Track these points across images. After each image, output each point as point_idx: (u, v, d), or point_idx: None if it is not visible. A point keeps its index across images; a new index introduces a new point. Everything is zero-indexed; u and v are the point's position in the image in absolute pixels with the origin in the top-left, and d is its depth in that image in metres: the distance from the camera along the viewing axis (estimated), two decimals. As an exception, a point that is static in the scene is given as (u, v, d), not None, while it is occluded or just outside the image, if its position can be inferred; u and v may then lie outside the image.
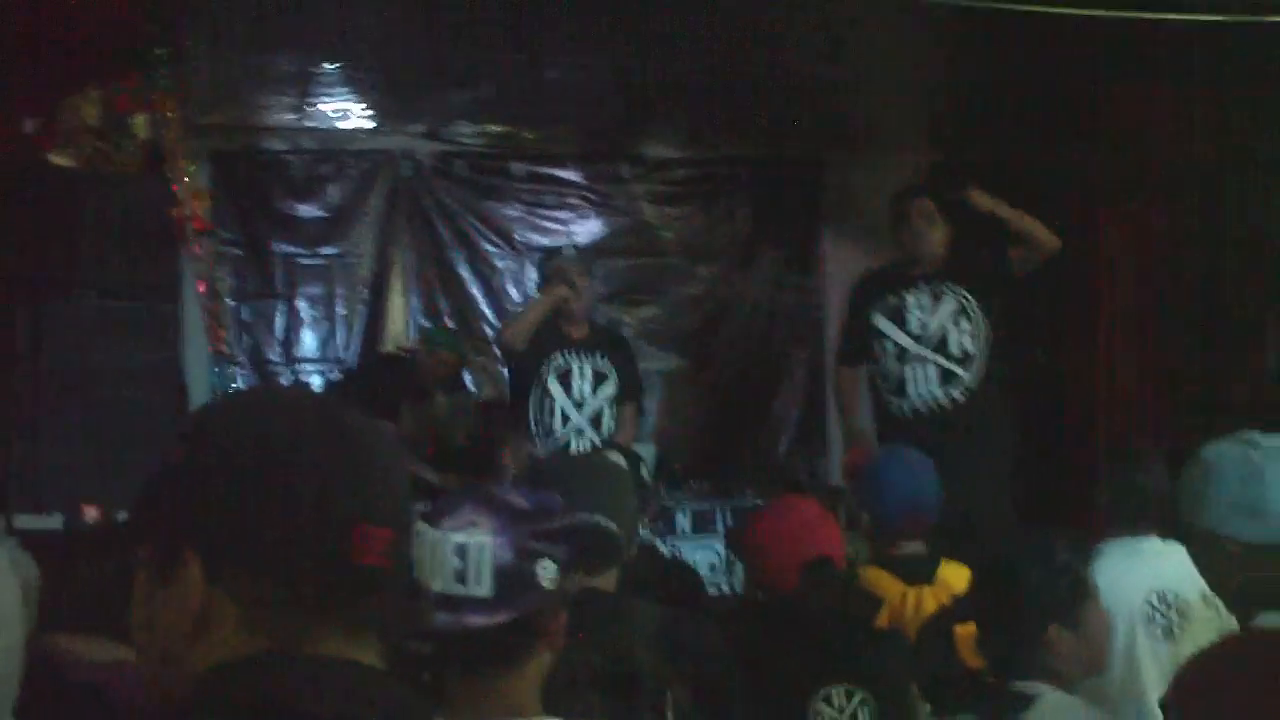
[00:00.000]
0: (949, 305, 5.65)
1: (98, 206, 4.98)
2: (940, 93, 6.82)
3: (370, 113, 7.29)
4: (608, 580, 2.74)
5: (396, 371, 6.90)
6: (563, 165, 7.94)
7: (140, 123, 5.19)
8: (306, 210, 7.68)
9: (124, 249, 4.97)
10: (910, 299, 5.69)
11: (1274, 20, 4.89)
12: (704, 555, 6.32)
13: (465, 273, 7.83)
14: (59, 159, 5.03)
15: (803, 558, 3.11)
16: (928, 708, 2.91)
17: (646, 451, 6.07)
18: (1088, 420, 6.11)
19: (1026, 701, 2.56)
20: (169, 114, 5.32)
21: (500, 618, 1.83)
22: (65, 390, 4.74)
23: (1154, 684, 3.29)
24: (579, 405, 5.98)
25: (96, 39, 4.92)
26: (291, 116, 7.25)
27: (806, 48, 6.01)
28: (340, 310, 7.68)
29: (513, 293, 7.66)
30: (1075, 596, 2.69)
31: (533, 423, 6.01)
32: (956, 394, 5.60)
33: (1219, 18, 4.88)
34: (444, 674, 1.88)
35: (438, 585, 1.82)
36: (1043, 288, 5.73)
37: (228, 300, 7.44)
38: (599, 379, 6.03)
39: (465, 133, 7.62)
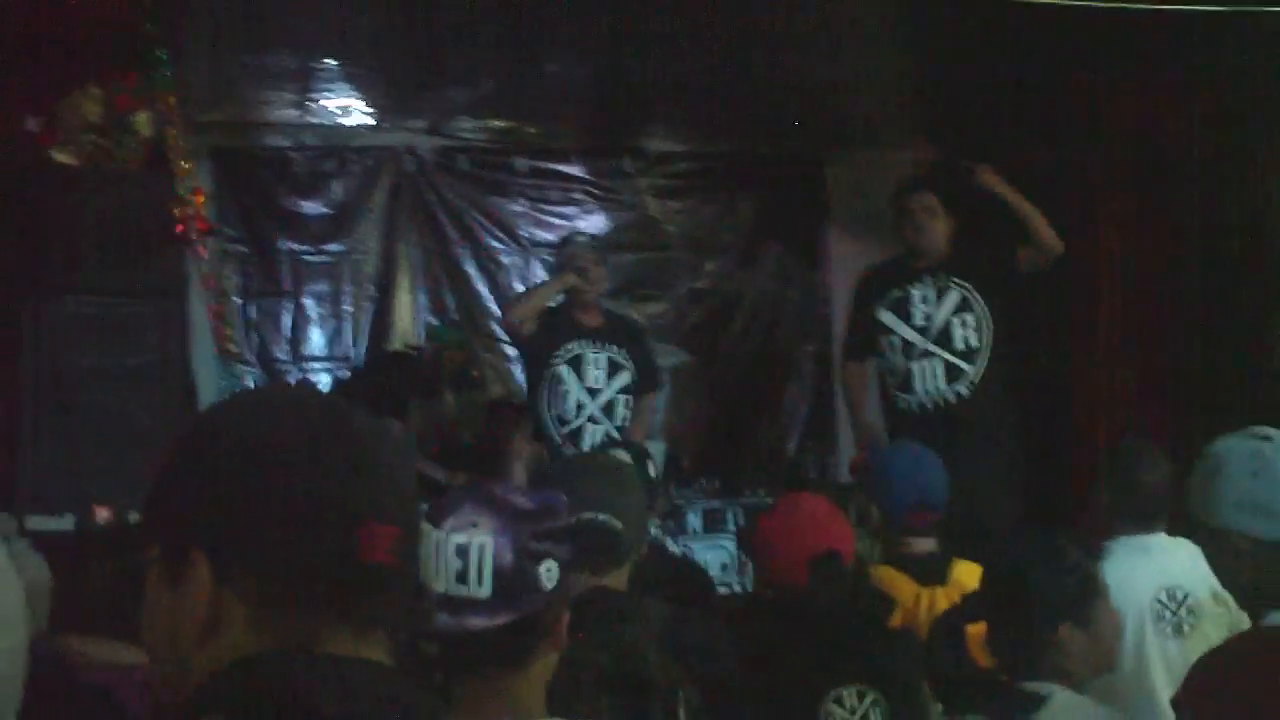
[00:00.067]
0: (953, 300, 5.65)
1: (101, 205, 4.97)
2: (942, 88, 6.80)
3: (373, 109, 7.27)
4: (618, 579, 2.73)
5: (404, 369, 6.89)
6: (566, 160, 7.93)
7: (142, 120, 5.16)
8: (310, 207, 7.67)
9: (129, 248, 4.95)
10: (915, 293, 5.69)
11: (1275, 10, 4.88)
12: (715, 554, 6.32)
13: (470, 269, 7.83)
14: (60, 157, 5.02)
15: (810, 553, 3.11)
16: (939, 707, 2.91)
17: (656, 448, 6.07)
18: (1092, 416, 6.09)
19: (1037, 701, 2.56)
20: (170, 111, 5.31)
21: (501, 619, 1.82)
22: (72, 391, 4.73)
23: (1164, 682, 3.29)
24: (593, 393, 5.98)
25: (97, 36, 4.91)
26: (294, 113, 7.24)
27: (808, 43, 5.99)
28: (347, 307, 7.67)
29: (518, 288, 7.64)
30: (1085, 595, 2.69)
31: (545, 411, 6.01)
32: (962, 389, 5.60)
33: (1221, 9, 4.86)
34: (450, 675, 1.87)
35: (439, 586, 1.81)
36: (1045, 282, 5.72)
37: (234, 299, 7.44)
38: (614, 368, 6.03)
39: (468, 128, 7.61)
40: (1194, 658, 2.53)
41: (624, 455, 3.56)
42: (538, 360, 6.06)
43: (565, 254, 6.26)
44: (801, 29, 5.81)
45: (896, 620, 3.33)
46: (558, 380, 5.95)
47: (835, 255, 7.87)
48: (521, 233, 7.89)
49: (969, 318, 5.64)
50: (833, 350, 7.43)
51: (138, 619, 1.31)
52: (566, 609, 1.93)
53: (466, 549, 1.83)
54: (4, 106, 4.90)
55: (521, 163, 7.88)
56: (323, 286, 7.65)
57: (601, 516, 2.22)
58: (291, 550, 1.24)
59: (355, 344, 7.66)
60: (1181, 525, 3.33)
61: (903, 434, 5.33)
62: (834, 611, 2.93)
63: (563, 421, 5.94)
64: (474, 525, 1.84)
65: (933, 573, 3.49)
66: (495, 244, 7.87)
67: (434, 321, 7.69)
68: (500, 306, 7.58)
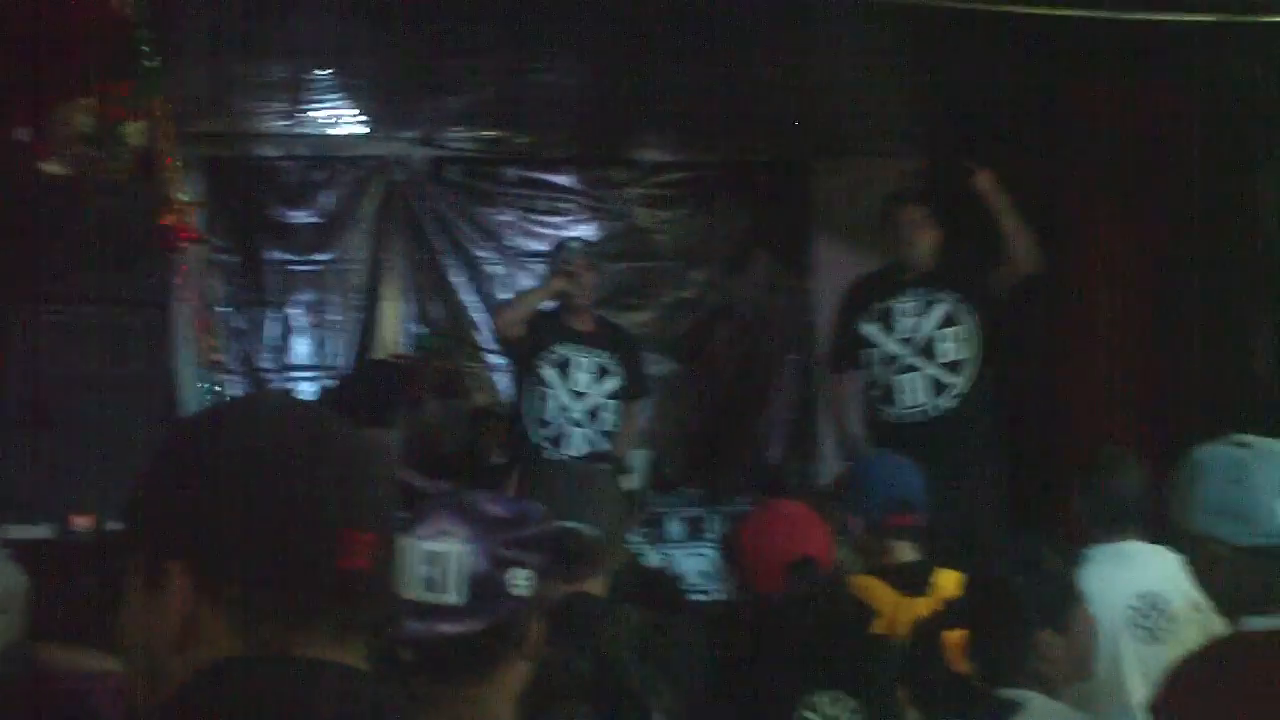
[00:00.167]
0: (940, 312, 5.66)
1: (89, 215, 4.97)
2: (931, 96, 6.82)
3: (363, 119, 7.28)
4: (595, 586, 2.73)
5: (389, 378, 6.90)
6: (555, 170, 7.95)
7: (132, 130, 5.17)
8: (300, 217, 7.69)
9: (116, 258, 4.96)
10: (899, 306, 5.70)
11: (1262, 20, 4.90)
12: (696, 562, 6.32)
13: (458, 278, 7.84)
14: (51, 168, 5.02)
15: (788, 559, 3.11)
16: (916, 714, 2.91)
17: (639, 456, 6.08)
18: (1075, 425, 6.09)
19: (1014, 708, 2.56)
20: (163, 120, 5.32)
21: (471, 626, 1.82)
22: (54, 399, 4.73)
23: (1140, 688, 3.29)
24: (578, 396, 5.99)
25: (88, 47, 4.92)
26: (284, 123, 7.25)
27: (795, 52, 6.01)
28: (333, 317, 7.68)
29: (505, 298, 7.64)
30: (1064, 602, 2.70)
31: (528, 414, 6.02)
32: (946, 402, 5.61)
33: (1207, 18, 4.89)
34: (421, 680, 1.87)
35: (410, 592, 1.81)
36: (1030, 291, 5.73)
37: (222, 308, 7.44)
38: (602, 373, 6.04)
39: (457, 138, 7.62)
40: (1170, 664, 2.54)
41: (600, 466, 3.56)
42: (524, 362, 6.08)
43: (558, 260, 6.27)
44: (789, 39, 5.82)
45: (878, 629, 3.32)
46: (541, 382, 5.96)
47: (822, 264, 7.88)
48: (510, 242, 7.91)
49: (956, 331, 5.65)
50: (816, 359, 7.43)
51: (115, 627, 1.31)
52: (540, 618, 1.93)
53: (437, 556, 1.83)
54: (-3, 117, 4.92)
55: (511, 172, 7.90)
56: (310, 296, 7.67)
57: (574, 525, 2.22)
58: (270, 558, 1.24)
59: (342, 353, 7.66)
60: (1162, 532, 3.34)
61: (886, 446, 5.33)
62: (811, 617, 2.93)
63: (545, 424, 5.95)
64: (446, 532, 1.84)
65: (914, 582, 3.47)
66: (483, 254, 7.89)
67: (420, 331, 7.70)
68: (490, 314, 7.60)
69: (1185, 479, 2.56)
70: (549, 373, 5.97)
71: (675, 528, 6.55)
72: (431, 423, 6.88)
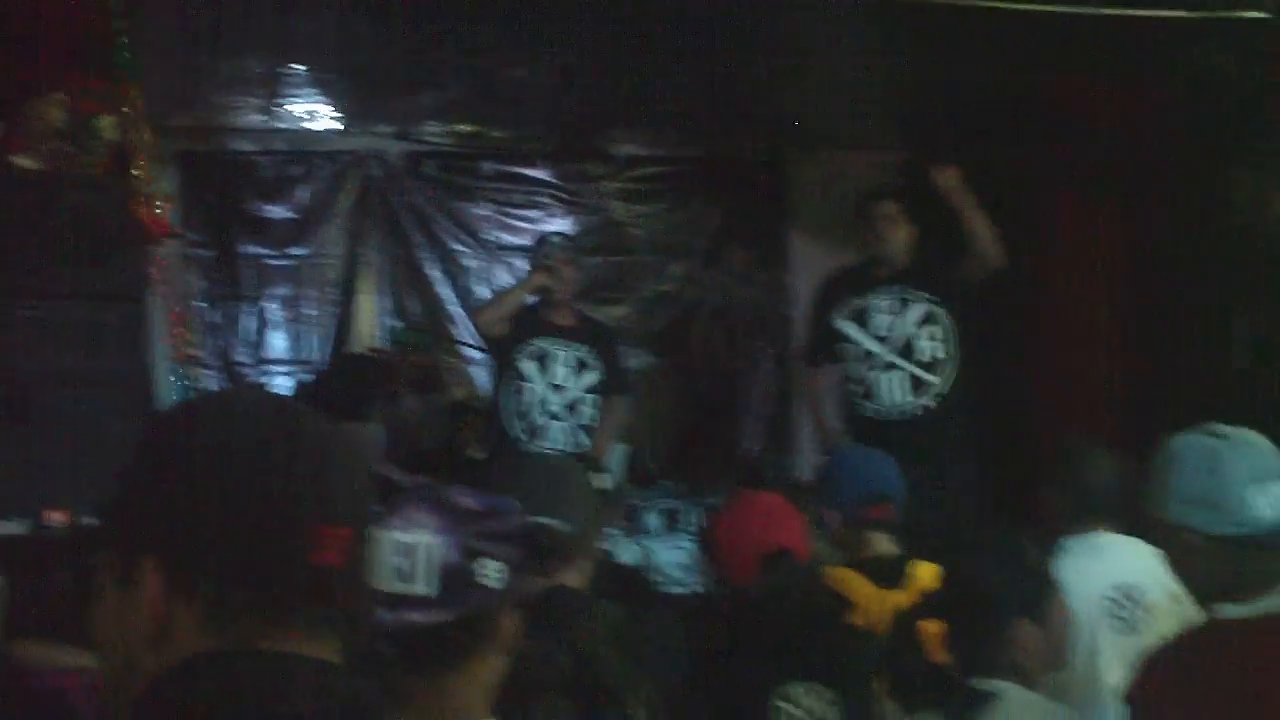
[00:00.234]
0: (916, 311, 5.67)
1: (63, 209, 4.95)
2: (908, 90, 6.83)
3: (339, 114, 7.26)
4: (573, 579, 2.74)
5: (366, 372, 6.89)
6: (531, 164, 7.93)
7: (106, 124, 5.15)
8: (275, 211, 7.66)
9: (91, 252, 4.94)
10: (875, 303, 5.71)
11: (1236, 16, 4.92)
12: (675, 555, 6.33)
13: (435, 273, 7.82)
14: (23, 162, 5.00)
15: (763, 551, 3.11)
16: (893, 705, 2.92)
17: (618, 450, 6.09)
18: (1052, 418, 6.12)
19: (989, 699, 2.58)
20: (134, 116, 5.29)
21: (440, 616, 1.82)
22: (29, 394, 4.70)
23: (1116, 678, 3.29)
24: (556, 390, 6.00)
25: (61, 41, 4.89)
26: (259, 118, 7.22)
27: (771, 46, 6.01)
28: (309, 311, 7.66)
29: (482, 292, 7.64)
30: (1040, 592, 2.72)
31: (506, 407, 6.02)
32: (926, 400, 5.62)
33: (1188, 14, 4.90)
34: (395, 673, 1.87)
35: (382, 583, 1.81)
36: (1003, 290, 5.74)
37: (197, 302, 7.42)
38: (582, 367, 6.05)
39: (434, 133, 7.60)
40: (1144, 652, 2.55)
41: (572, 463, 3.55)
42: (503, 356, 6.09)
43: (539, 255, 6.28)
44: (764, 32, 5.82)
45: (854, 621, 3.33)
46: (520, 375, 5.97)
47: (798, 258, 7.89)
48: (486, 236, 7.89)
49: (935, 330, 5.66)
50: (793, 352, 7.44)
51: (88, 622, 1.31)
52: (514, 612, 1.93)
53: (407, 546, 1.83)
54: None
55: (487, 167, 7.89)
56: (286, 290, 7.64)
57: (544, 520, 2.22)
58: (242, 554, 1.25)
59: (318, 348, 7.64)
60: (1135, 522, 3.36)
61: (864, 442, 5.33)
62: (786, 609, 2.94)
63: (522, 418, 5.96)
64: (416, 523, 1.84)
65: (890, 575, 3.48)
66: (460, 248, 7.87)
67: (395, 324, 7.69)
68: (467, 311, 7.60)
69: (1159, 469, 2.58)
70: (527, 366, 5.99)
71: (653, 521, 6.54)
72: (409, 417, 6.87)
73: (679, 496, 6.77)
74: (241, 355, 7.56)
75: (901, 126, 7.40)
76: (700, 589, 5.96)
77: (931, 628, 2.71)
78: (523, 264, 7.32)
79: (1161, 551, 2.67)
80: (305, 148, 7.62)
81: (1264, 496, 2.46)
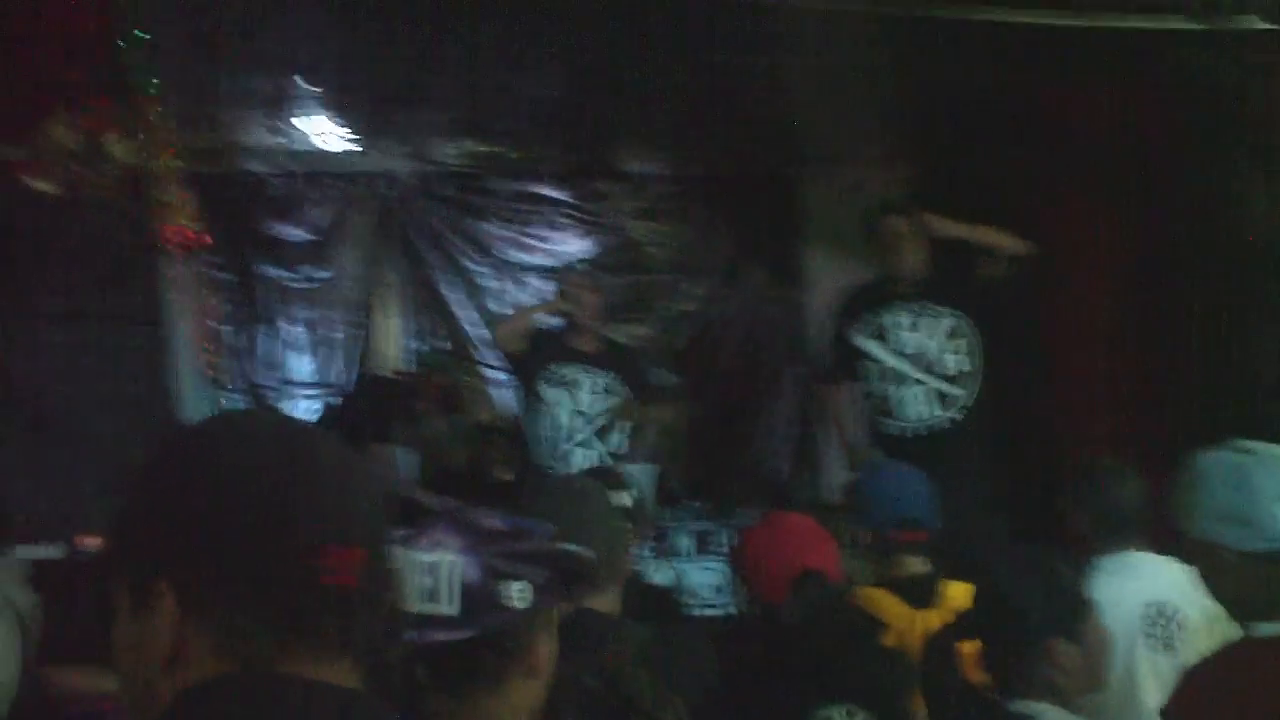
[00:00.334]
0: (937, 324, 5.65)
1: (80, 232, 4.96)
2: (917, 106, 6.82)
3: (353, 134, 7.27)
4: (604, 602, 2.72)
5: (390, 395, 6.89)
6: (547, 183, 7.93)
7: (119, 146, 5.16)
8: (292, 233, 7.66)
9: (109, 274, 4.95)
10: (893, 318, 5.68)
11: (1242, 27, 4.92)
12: (706, 576, 6.32)
13: (452, 293, 7.82)
14: (38, 185, 5.01)
15: (793, 572, 3.09)
16: (930, 726, 2.89)
17: (646, 471, 6.08)
18: (1071, 436, 6.08)
19: (1027, 720, 2.55)
20: (151, 136, 5.30)
21: (465, 635, 1.81)
22: (57, 418, 4.71)
23: (1154, 698, 3.28)
24: (580, 415, 6.01)
25: (74, 63, 4.90)
26: (274, 139, 7.22)
27: (785, 63, 6.01)
28: (329, 333, 7.65)
29: (499, 312, 7.63)
30: (1077, 612, 2.69)
31: (530, 431, 6.08)
32: (952, 413, 5.59)
33: (1190, 25, 4.90)
34: (430, 696, 1.86)
35: (410, 604, 1.81)
36: (1027, 299, 5.72)
37: (217, 324, 7.41)
38: (605, 393, 6.06)
39: (451, 152, 7.61)
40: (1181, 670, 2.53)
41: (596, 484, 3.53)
42: (528, 380, 6.11)
43: (562, 281, 6.36)
44: (779, 50, 5.82)
45: (887, 641, 3.30)
46: (544, 400, 5.99)
47: (815, 274, 7.87)
48: (503, 256, 7.89)
49: (957, 342, 5.64)
50: (812, 370, 7.42)
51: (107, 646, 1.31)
52: (545, 635, 1.92)
53: (434, 566, 1.83)
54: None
55: (502, 186, 7.89)
56: (305, 312, 7.64)
57: (570, 546, 2.21)
58: (255, 575, 1.24)
59: (338, 370, 7.63)
60: (1164, 540, 3.34)
61: (892, 457, 5.31)
62: (817, 630, 2.92)
63: (548, 442, 5.97)
64: (441, 543, 1.84)
65: (924, 594, 3.46)
66: (476, 267, 7.87)
67: (418, 346, 7.68)
68: (489, 329, 7.60)
69: (1187, 485, 2.57)
70: (552, 392, 6.01)
71: (684, 542, 6.54)
72: (434, 439, 6.87)
73: (708, 517, 6.76)
74: (261, 378, 7.56)
75: (915, 142, 7.39)
76: (731, 610, 5.95)
77: (968, 648, 2.69)
78: (541, 284, 7.33)
79: (1194, 569, 2.64)
80: (320, 169, 7.62)
81: None
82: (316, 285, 7.65)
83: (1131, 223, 6.01)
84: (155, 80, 5.23)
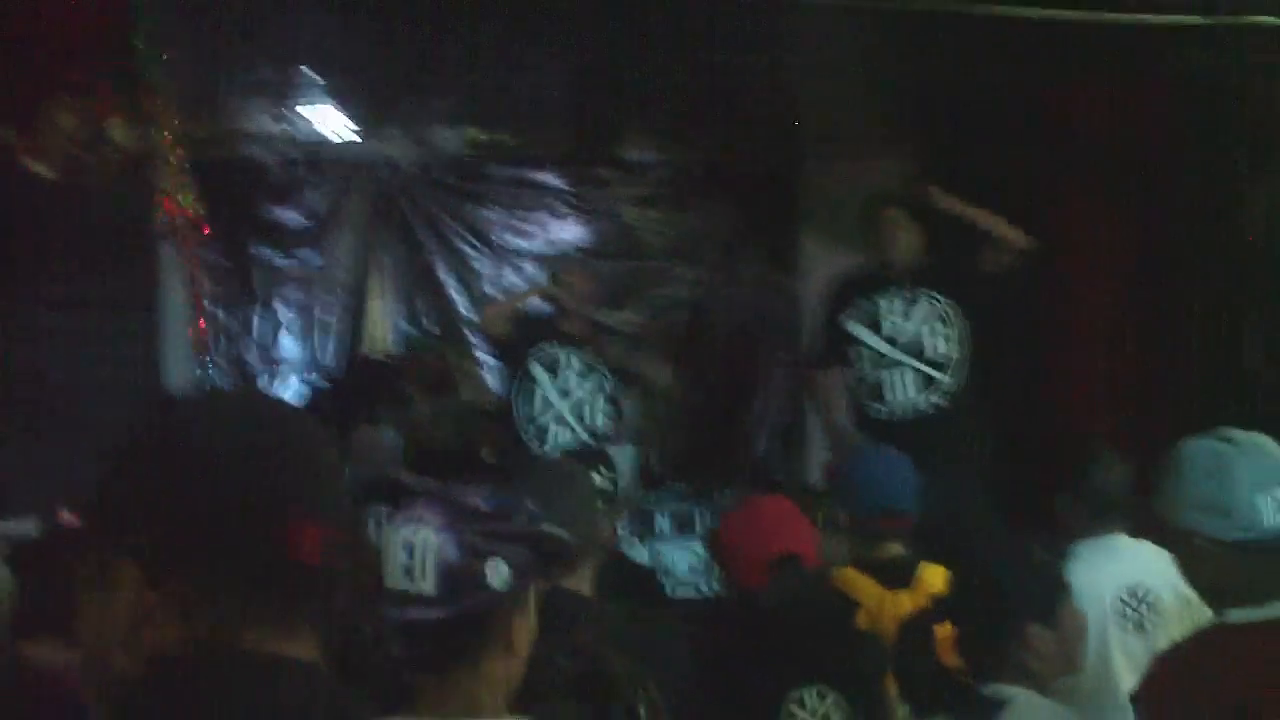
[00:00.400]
0: (926, 310, 5.65)
1: (75, 215, 4.97)
2: (915, 98, 6.81)
3: (351, 120, 7.27)
4: (578, 582, 2.73)
5: (380, 376, 6.91)
6: (543, 170, 7.93)
7: (119, 130, 5.17)
8: (288, 217, 7.67)
9: (102, 258, 4.96)
10: (883, 304, 5.69)
11: (1248, 22, 4.92)
12: (684, 556, 6.34)
13: (446, 277, 7.83)
14: (37, 168, 5.01)
15: (771, 555, 3.10)
16: (904, 709, 2.90)
17: (624, 453, 6.10)
18: (1065, 420, 6.09)
19: (1001, 704, 2.56)
20: (153, 122, 5.31)
21: (444, 614, 1.82)
22: (40, 397, 4.72)
23: (1126, 680, 3.29)
24: (564, 394, 6.04)
25: (74, 47, 4.91)
26: (271, 124, 7.23)
27: (782, 53, 6.01)
28: (322, 316, 7.66)
29: (493, 296, 7.64)
30: (1052, 596, 2.70)
31: (516, 411, 6.07)
32: (937, 399, 5.60)
33: (1195, 20, 4.89)
34: (407, 672, 1.87)
35: (387, 581, 1.82)
36: (1018, 287, 5.71)
37: (211, 308, 7.42)
38: (590, 372, 6.08)
39: (445, 138, 7.61)
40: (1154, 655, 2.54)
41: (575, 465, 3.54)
42: (513, 361, 6.14)
43: (554, 269, 6.42)
44: (776, 39, 5.82)
45: (861, 622, 3.32)
46: (529, 379, 6.03)
47: (809, 263, 7.87)
48: (498, 241, 7.89)
49: (943, 328, 5.64)
50: (803, 355, 7.43)
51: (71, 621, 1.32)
52: (522, 615, 1.92)
53: (412, 545, 1.83)
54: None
55: (499, 172, 7.89)
56: (298, 295, 7.65)
57: (546, 526, 2.22)
58: (219, 552, 1.25)
59: (329, 352, 7.65)
60: (1146, 526, 3.34)
61: (878, 442, 5.31)
62: (794, 613, 2.93)
63: (533, 422, 6.01)
64: (421, 521, 1.85)
65: (898, 576, 3.46)
66: (471, 253, 7.87)
67: (409, 329, 7.69)
68: (479, 312, 7.61)
69: (1169, 474, 2.57)
70: (538, 371, 6.03)
71: (664, 523, 6.55)
72: (422, 421, 6.89)
73: (689, 499, 6.77)
74: (253, 359, 7.57)
75: (912, 132, 7.38)
76: (709, 592, 5.97)
77: (943, 632, 2.70)
78: (535, 269, 7.34)
79: (1174, 555, 2.65)
80: (317, 154, 7.62)
81: (1273, 502, 2.44)
82: (311, 269, 7.66)
83: (1126, 215, 6.02)
84: (158, 67, 5.24)
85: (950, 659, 2.72)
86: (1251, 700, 2.27)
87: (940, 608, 2.90)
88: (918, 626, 2.90)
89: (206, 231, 5.71)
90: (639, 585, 3.84)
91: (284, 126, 7.26)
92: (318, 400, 6.81)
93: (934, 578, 3.33)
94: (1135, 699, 2.45)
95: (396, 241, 7.78)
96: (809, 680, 2.71)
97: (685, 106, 6.95)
